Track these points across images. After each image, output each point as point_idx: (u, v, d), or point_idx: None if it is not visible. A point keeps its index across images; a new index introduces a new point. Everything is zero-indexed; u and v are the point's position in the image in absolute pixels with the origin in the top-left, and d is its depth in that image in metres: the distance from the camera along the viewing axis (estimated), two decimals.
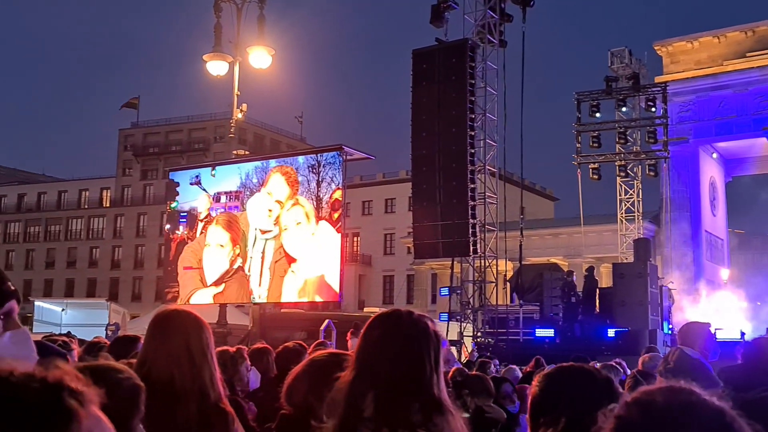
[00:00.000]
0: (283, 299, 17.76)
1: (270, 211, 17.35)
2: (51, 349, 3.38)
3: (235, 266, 17.79)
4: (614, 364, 7.76)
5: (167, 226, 20.38)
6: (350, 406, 1.99)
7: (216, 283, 18.10)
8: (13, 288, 1.38)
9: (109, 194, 66.71)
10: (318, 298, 16.93)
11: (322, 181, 16.93)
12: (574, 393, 2.10)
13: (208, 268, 18.30)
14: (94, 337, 11.89)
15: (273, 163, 18.23)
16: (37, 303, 32.89)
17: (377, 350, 2.04)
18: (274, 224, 17.19)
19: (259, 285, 17.21)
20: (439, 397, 2.01)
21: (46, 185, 71.61)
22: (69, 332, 19.44)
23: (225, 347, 5.13)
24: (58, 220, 67.07)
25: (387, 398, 1.96)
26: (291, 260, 16.77)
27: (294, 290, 16.86)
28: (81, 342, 8.40)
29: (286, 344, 5.46)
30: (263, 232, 17.37)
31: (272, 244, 17.22)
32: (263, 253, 17.28)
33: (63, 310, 28.56)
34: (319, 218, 16.64)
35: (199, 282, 18.47)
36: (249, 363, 4.90)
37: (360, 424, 1.95)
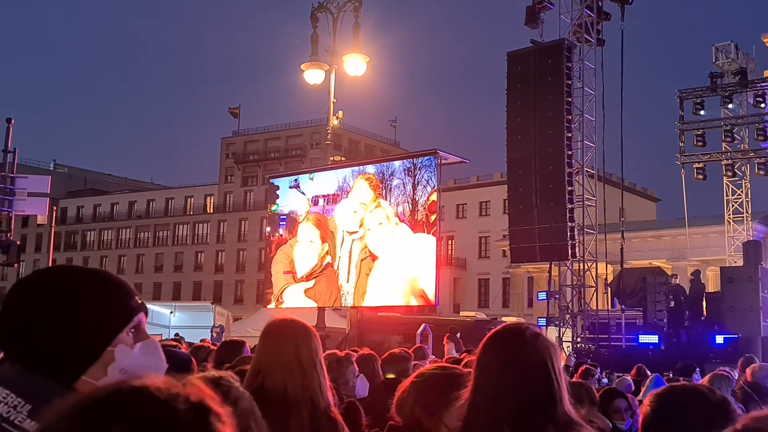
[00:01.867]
0: (378, 303, 17.99)
1: (355, 212, 18.02)
2: (178, 355, 3.53)
3: (325, 263, 18.37)
4: (724, 372, 7.44)
5: (267, 229, 21.02)
6: (486, 428, 1.96)
7: (306, 278, 18.67)
8: (140, 302, 1.48)
9: (212, 200, 69.22)
10: (414, 302, 17.02)
11: (417, 184, 17.05)
12: (688, 416, 2.01)
13: (298, 263, 18.92)
14: (201, 340, 12.39)
15: (357, 170, 18.72)
16: (147, 306, 34.40)
17: (507, 371, 1.99)
18: (359, 226, 17.82)
19: (347, 281, 17.78)
20: (569, 413, 1.99)
21: (154, 193, 75.00)
22: (177, 334, 20.34)
23: (334, 350, 5.20)
24: (165, 225, 70.10)
25: (524, 419, 1.92)
26: (374, 258, 17.43)
27: (387, 293, 17.08)
28: (188, 345, 8.81)
29: (392, 351, 5.49)
30: (350, 233, 18.06)
31: (358, 244, 17.85)
32: (350, 252, 17.90)
33: (171, 312, 29.81)
34: (412, 220, 16.79)
35: (290, 278, 19.05)
36: (356, 369, 4.95)
37: None
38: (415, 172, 17.07)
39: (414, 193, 16.95)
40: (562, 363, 2.12)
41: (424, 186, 16.89)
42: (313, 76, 18.02)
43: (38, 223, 41.66)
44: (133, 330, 1.42)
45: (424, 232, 16.62)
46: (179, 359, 3.42)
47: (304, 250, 18.97)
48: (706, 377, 5.39)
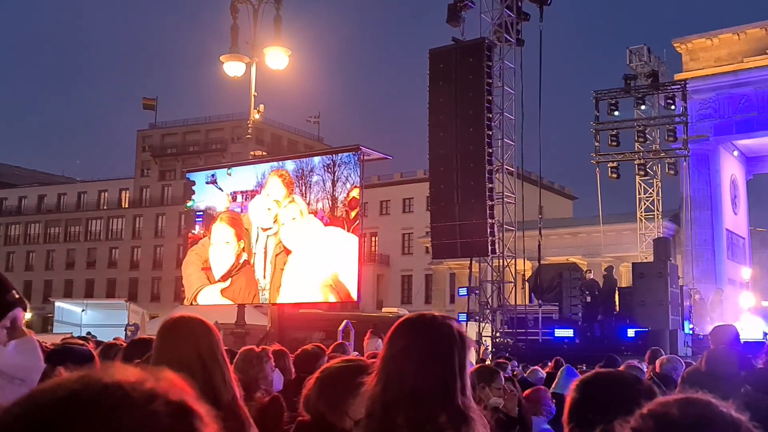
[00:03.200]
0: (297, 299, 17.86)
1: (269, 209, 18.08)
2: (78, 351, 3.40)
3: (241, 260, 18.28)
4: (633, 364, 7.63)
5: (184, 225, 20.49)
6: (382, 416, 1.96)
7: (223, 279, 18.47)
8: (17, 296, 1.35)
9: (128, 195, 67.17)
10: (333, 299, 16.92)
11: (337, 181, 16.94)
12: (614, 400, 2.00)
13: (214, 265, 18.65)
14: (113, 338, 11.94)
15: (273, 165, 18.71)
16: (57, 304, 33.17)
17: (403, 358, 2.00)
18: (273, 222, 17.93)
19: (264, 277, 17.80)
20: (466, 405, 1.98)
21: (65, 186, 72.22)
22: (89, 332, 19.60)
23: (250, 346, 5.10)
24: (77, 221, 67.62)
25: (417, 408, 1.92)
26: (288, 252, 17.62)
27: (304, 289, 17.00)
28: (99, 343, 8.43)
29: (305, 347, 5.40)
30: (264, 229, 18.12)
31: (273, 239, 17.91)
32: (266, 247, 17.94)
33: (83, 310, 28.77)
34: (332, 217, 16.72)
35: (205, 280, 18.75)
36: (273, 363, 4.88)
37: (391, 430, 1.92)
38: (335, 168, 16.99)
39: (334, 190, 16.86)
40: (471, 356, 2.11)
41: (344, 182, 16.81)
42: (233, 68, 17.59)
43: None
44: (8, 326, 1.29)
45: (344, 228, 16.52)
46: (79, 355, 3.29)
47: (220, 251, 18.69)
48: (619, 369, 5.50)
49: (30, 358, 1.31)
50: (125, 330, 23.82)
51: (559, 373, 7.56)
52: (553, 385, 6.86)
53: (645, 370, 7.70)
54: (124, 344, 6.20)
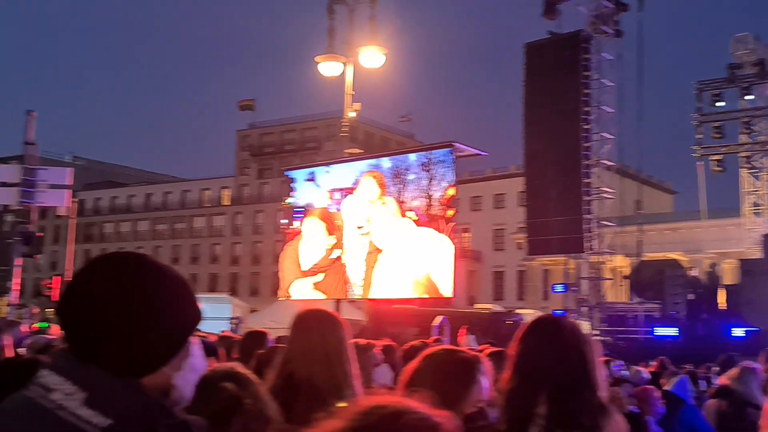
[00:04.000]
0: (390, 295, 18.09)
1: (362, 209, 18.22)
2: (205, 343, 3.60)
3: (332, 256, 18.54)
4: (753, 365, 7.30)
5: (283, 221, 21.08)
6: (521, 406, 2.07)
7: (313, 272, 18.81)
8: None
9: (228, 193, 69.51)
10: (426, 295, 17.06)
11: (432, 179, 17.03)
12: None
13: (303, 256, 19.08)
14: (222, 331, 12.50)
15: (365, 167, 18.86)
16: None
17: (540, 355, 2.12)
18: (366, 222, 18.05)
19: (355, 275, 17.96)
20: (603, 399, 2.10)
21: (170, 185, 75.41)
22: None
23: (355, 340, 5.24)
24: (181, 218, 70.50)
25: (560, 400, 2.04)
26: (379, 252, 17.65)
27: (396, 285, 17.18)
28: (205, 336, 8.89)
29: (412, 343, 5.53)
30: (358, 228, 18.25)
31: (365, 239, 18.03)
32: (358, 247, 18.05)
33: None
34: (428, 215, 16.83)
35: (298, 272, 19.19)
36: (381, 357, 5.01)
37: (531, 421, 2.03)
38: (430, 166, 17.08)
39: (429, 188, 16.97)
40: (599, 354, 2.22)
41: (440, 181, 16.88)
42: (329, 68, 17.99)
43: (57, 214, 42.01)
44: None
45: (439, 226, 16.63)
46: (207, 347, 3.50)
47: (310, 243, 19.12)
48: (735, 369, 5.34)
49: (202, 358, 1.48)
50: (230, 323, 24.73)
51: (672, 380, 7.35)
52: (666, 385, 6.72)
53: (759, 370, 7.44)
54: (237, 337, 6.57)
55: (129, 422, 1.18)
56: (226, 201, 69.38)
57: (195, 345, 1.40)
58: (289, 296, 19.36)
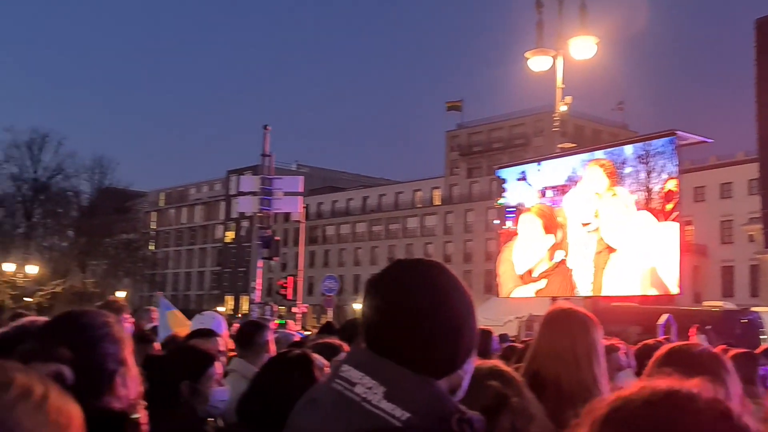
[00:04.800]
0: (614, 293, 17.40)
1: (588, 202, 17.08)
2: None
3: (556, 260, 17.62)
4: None
5: (496, 222, 21.18)
6: None
7: (535, 277, 18.10)
8: None
9: (439, 193, 71.10)
10: (652, 292, 16.32)
11: (651, 172, 16.29)
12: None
13: (518, 257, 18.36)
14: None
15: (586, 156, 17.87)
16: None
17: None
18: (594, 217, 16.87)
19: (582, 278, 16.91)
20: None
21: (384, 188, 78.67)
22: None
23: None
24: (396, 219, 73.22)
25: None
26: (611, 251, 16.41)
27: (624, 284, 16.47)
28: None
29: (646, 341, 5.40)
30: (584, 225, 17.11)
31: (593, 236, 16.91)
32: (585, 245, 17.03)
33: None
34: (647, 209, 16.05)
35: (519, 280, 18.50)
36: (626, 360, 4.90)
37: None
38: (649, 158, 16.28)
39: (648, 181, 16.18)
40: None
41: (659, 173, 16.04)
42: (538, 63, 17.87)
43: (291, 219, 45.55)
44: None
45: (660, 219, 15.89)
46: None
47: (527, 243, 18.48)
48: None
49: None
50: None
51: None
52: None
53: None
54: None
55: (427, 415, 1.29)
56: (437, 201, 70.97)
57: None
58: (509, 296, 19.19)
